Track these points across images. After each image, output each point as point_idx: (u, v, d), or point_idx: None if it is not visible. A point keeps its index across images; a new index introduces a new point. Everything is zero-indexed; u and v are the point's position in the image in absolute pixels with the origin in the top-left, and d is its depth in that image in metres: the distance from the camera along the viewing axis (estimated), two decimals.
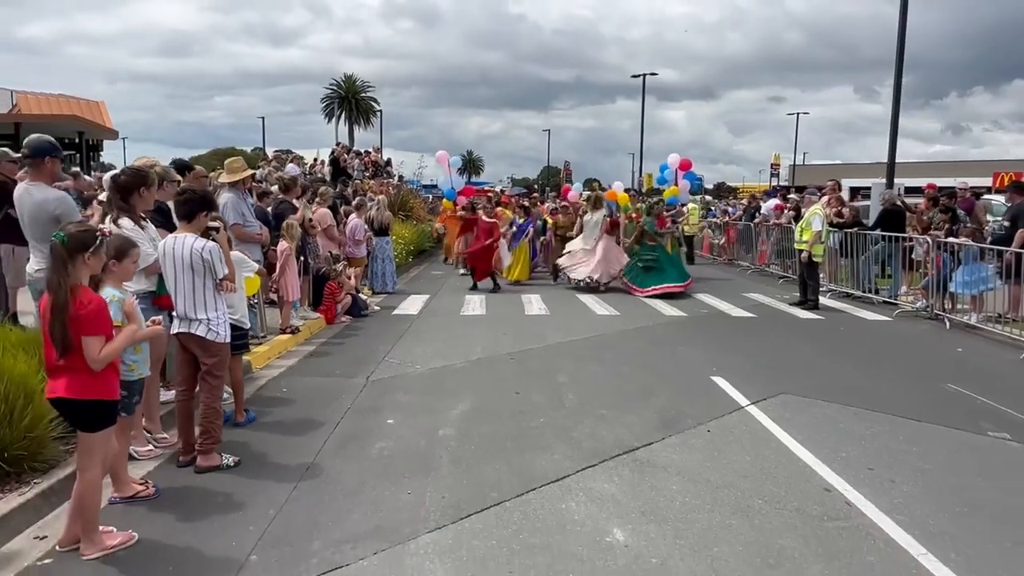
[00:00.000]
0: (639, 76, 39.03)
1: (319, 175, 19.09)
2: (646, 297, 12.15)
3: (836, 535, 3.73)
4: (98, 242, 3.20)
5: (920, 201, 12.77)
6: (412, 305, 11.29)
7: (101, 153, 35.98)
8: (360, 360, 7.44)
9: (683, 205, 17.54)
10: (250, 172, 6.96)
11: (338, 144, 24.32)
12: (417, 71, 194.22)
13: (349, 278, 10.22)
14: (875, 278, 11.92)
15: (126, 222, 4.43)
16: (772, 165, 61.66)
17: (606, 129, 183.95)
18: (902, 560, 3.49)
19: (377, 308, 10.78)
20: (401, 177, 26.71)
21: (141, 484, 3.98)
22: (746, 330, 9.55)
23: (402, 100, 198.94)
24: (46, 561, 3.33)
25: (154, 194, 4.73)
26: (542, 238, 16.27)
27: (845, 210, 12.47)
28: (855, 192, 27.04)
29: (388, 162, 27.26)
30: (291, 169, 18.99)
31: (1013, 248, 9.19)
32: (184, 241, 4.21)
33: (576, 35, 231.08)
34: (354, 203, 11.59)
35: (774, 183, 51.69)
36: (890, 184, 14.55)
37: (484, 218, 13.65)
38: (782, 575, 3.35)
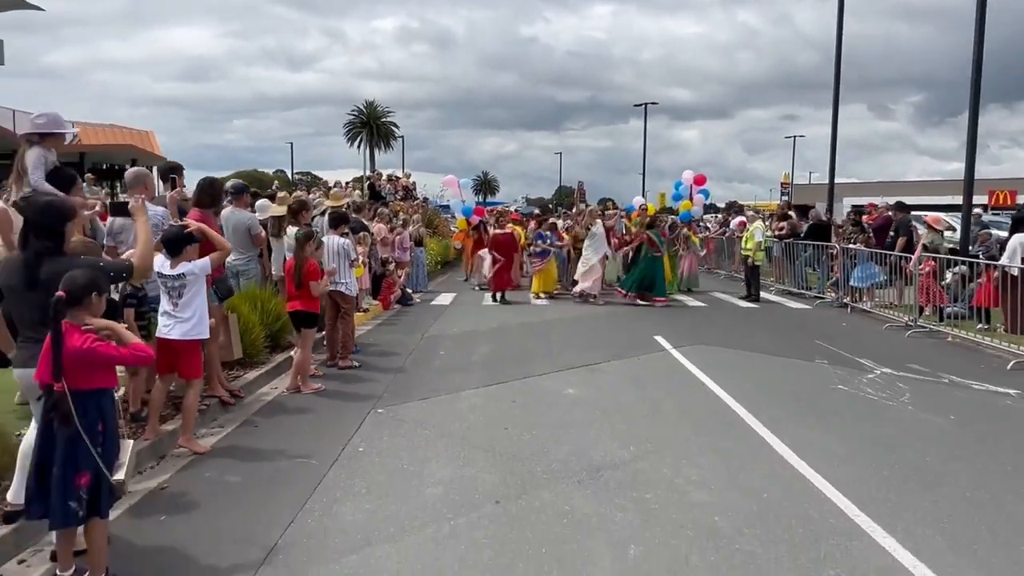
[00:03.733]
0: (641, 105, 42.46)
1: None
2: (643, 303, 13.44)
3: (691, 397, 7.01)
4: (315, 237, 6.60)
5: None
6: (444, 299, 14.67)
7: None
8: (415, 327, 10.83)
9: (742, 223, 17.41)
10: (349, 199, 10.39)
11: (374, 171, 27.89)
12: (432, 93, 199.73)
13: (399, 277, 13.63)
14: (808, 277, 15.16)
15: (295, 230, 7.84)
16: (782, 184, 64.58)
17: (619, 149, 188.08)
18: (716, 400, 6.76)
19: (418, 300, 14.18)
20: (426, 199, 30.24)
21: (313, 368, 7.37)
22: (694, 313, 12.82)
23: (417, 122, 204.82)
24: (284, 393, 6.73)
25: (309, 215, 8.16)
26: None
27: (784, 224, 15.75)
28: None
29: (414, 185, 30.81)
30: (335, 190, 22.52)
31: (895, 253, 12.41)
32: (335, 238, 7.63)
33: (589, 57, 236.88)
34: (401, 220, 15.02)
35: (784, 200, 54.70)
36: (831, 204, 17.81)
37: (498, 231, 14.89)
38: (650, 405, 6.63)
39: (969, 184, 12.35)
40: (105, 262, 3.58)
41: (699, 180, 16.59)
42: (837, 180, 19.19)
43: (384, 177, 27.34)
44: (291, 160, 61.21)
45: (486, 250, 16.77)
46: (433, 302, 14.24)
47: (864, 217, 15.56)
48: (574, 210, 19.59)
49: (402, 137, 56.92)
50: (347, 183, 28.92)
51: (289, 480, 4.65)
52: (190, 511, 4.16)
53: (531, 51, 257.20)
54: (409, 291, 14.15)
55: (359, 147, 55.32)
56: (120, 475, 3.08)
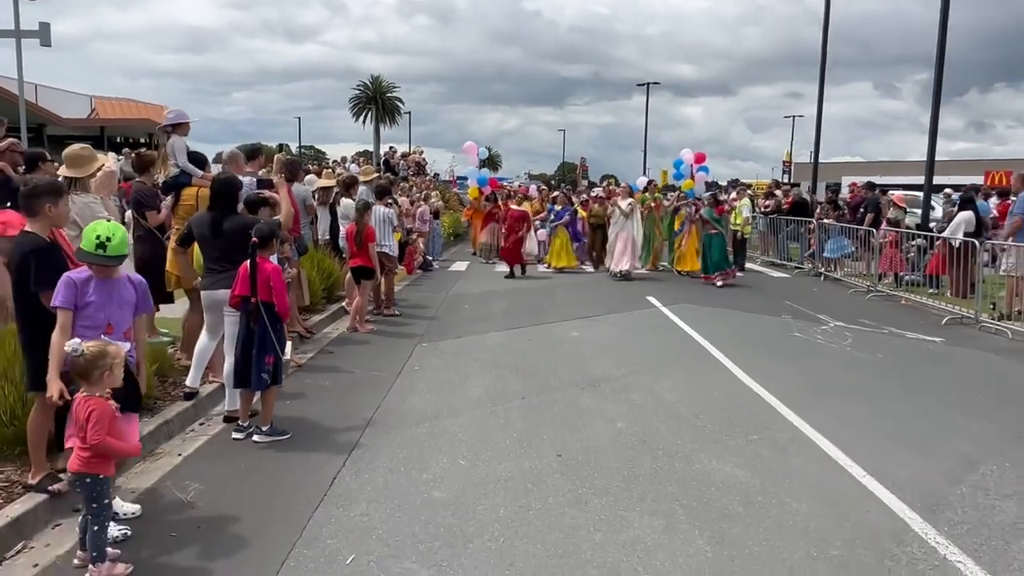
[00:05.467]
0: (644, 85, 43.65)
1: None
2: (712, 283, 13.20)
3: (672, 340, 8.63)
4: (369, 207, 8.18)
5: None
6: (460, 266, 16.29)
7: None
8: (440, 287, 12.46)
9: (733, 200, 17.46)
10: (377, 175, 11.93)
11: (390, 148, 29.32)
12: (434, 67, 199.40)
13: (421, 245, 15.21)
14: (789, 250, 16.74)
15: (349, 202, 9.42)
16: (784, 162, 65.65)
17: (622, 125, 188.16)
18: (692, 341, 8.38)
19: (437, 266, 15.79)
20: (436, 175, 31.70)
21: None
22: (683, 280, 14.37)
23: (419, 96, 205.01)
24: (345, 332, 8.36)
25: (358, 189, 9.74)
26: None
27: (770, 201, 17.30)
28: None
29: (424, 161, 32.26)
30: (353, 169, 24.02)
31: (863, 227, 13.96)
32: (380, 208, 9.21)
33: (592, 32, 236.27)
34: (422, 196, 16.57)
35: (785, 179, 55.88)
36: (814, 183, 19.32)
37: (514, 207, 15.33)
38: (639, 343, 8.25)
39: (930, 166, 13.82)
40: (264, 219, 5.16)
41: (699, 158, 16.64)
42: (841, 159, 20.71)
43: (399, 153, 28.82)
44: (299, 135, 62.25)
45: (493, 223, 17.13)
46: (450, 268, 15.86)
47: (849, 196, 17.13)
48: (586, 186, 20.32)
49: (409, 113, 57.82)
50: (358, 157, 30.37)
51: (368, 385, 6.30)
52: (303, 400, 5.80)
53: (534, 25, 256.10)
54: (429, 258, 15.75)
55: (364, 122, 56.01)
56: (288, 356, 4.70)
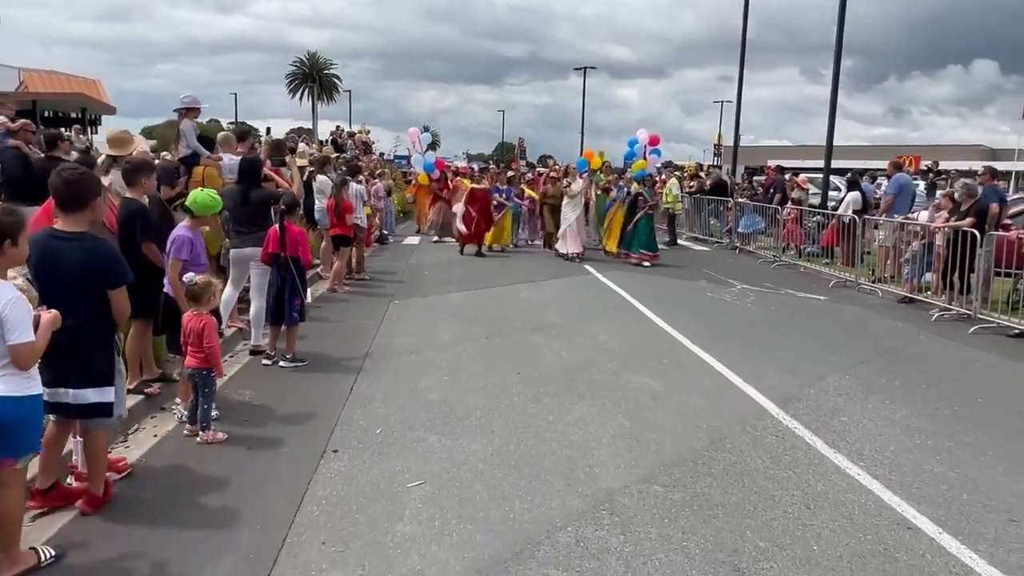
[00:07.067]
0: (581, 69, 45.26)
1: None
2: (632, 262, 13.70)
3: (605, 298, 10.21)
4: (346, 183, 9.43)
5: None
6: (413, 240, 17.56)
7: (99, 127, 40.32)
8: (399, 258, 13.78)
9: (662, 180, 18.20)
10: (335, 155, 13.08)
11: (337, 127, 30.05)
12: (368, 42, 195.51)
13: (377, 220, 16.40)
14: (711, 227, 18.63)
15: (325, 178, 10.61)
16: (715, 145, 68.43)
17: (560, 106, 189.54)
18: (622, 299, 9.98)
19: (392, 240, 17.02)
20: (382, 154, 32.58)
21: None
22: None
23: (353, 72, 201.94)
24: (325, 293, 9.62)
25: (331, 167, 10.91)
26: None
27: (694, 182, 19.15)
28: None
29: (371, 140, 33.06)
30: (303, 147, 24.79)
31: (771, 206, 15.87)
32: (352, 184, 10.43)
33: (529, 10, 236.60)
34: (377, 173, 17.73)
35: (716, 161, 58.50)
36: (734, 166, 21.30)
37: (475, 186, 14.93)
38: (577, 300, 9.79)
39: (828, 152, 15.83)
40: (283, 191, 6.41)
41: (653, 140, 16.87)
42: (770, 143, 22.43)
43: (346, 133, 29.61)
44: (235, 112, 61.33)
45: (461, 203, 15.56)
46: (404, 242, 17.11)
47: (764, 178, 19.12)
48: (526, 166, 20.95)
49: (349, 92, 57.99)
50: (303, 134, 30.90)
51: (358, 331, 7.63)
52: (308, 340, 7.05)
53: (471, 2, 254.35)
54: (385, 232, 16.97)
55: (301, 99, 55.63)
56: (309, 299, 6.00)
